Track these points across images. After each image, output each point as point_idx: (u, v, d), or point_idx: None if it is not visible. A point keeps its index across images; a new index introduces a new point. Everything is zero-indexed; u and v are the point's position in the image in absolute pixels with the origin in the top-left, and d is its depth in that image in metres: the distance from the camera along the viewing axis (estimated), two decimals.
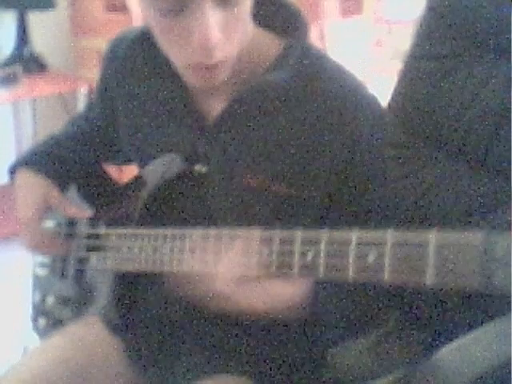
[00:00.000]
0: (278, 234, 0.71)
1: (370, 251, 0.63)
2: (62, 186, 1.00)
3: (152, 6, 0.72)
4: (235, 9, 0.72)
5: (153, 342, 0.98)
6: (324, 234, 0.67)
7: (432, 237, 0.59)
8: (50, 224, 1.05)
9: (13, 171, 1.00)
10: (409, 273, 0.60)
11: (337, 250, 0.66)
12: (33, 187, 0.96)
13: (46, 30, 2.56)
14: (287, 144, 0.81)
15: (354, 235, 0.64)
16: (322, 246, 0.67)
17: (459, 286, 0.57)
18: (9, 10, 2.41)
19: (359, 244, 0.64)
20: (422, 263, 0.59)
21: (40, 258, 1.11)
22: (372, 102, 0.83)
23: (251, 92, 0.81)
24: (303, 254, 0.68)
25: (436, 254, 0.58)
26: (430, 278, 0.59)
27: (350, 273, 0.64)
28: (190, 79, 0.79)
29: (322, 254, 0.67)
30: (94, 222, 0.99)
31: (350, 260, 0.64)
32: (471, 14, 0.97)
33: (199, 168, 0.86)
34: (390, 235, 0.62)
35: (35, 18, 2.44)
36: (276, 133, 0.82)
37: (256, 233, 0.72)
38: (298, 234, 0.69)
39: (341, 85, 0.81)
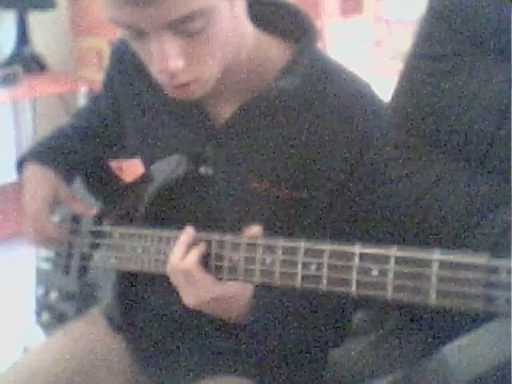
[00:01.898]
0: (281, 242, 0.70)
1: (373, 267, 0.62)
2: (69, 181, 1.00)
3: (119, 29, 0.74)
4: (199, 36, 0.71)
5: (154, 341, 0.98)
6: (327, 247, 0.66)
7: (436, 255, 0.59)
8: (56, 218, 1.05)
9: (20, 165, 1.00)
10: (412, 291, 0.60)
11: (340, 264, 0.65)
12: (41, 181, 0.97)
13: (46, 30, 2.56)
14: (295, 150, 0.82)
15: (357, 249, 0.64)
16: (325, 259, 0.66)
17: (461, 306, 0.57)
18: (9, 10, 2.41)
19: (362, 259, 0.63)
20: (425, 282, 0.59)
21: (44, 252, 1.11)
22: (381, 107, 0.83)
23: (261, 98, 0.81)
24: (306, 265, 0.68)
25: (439, 273, 0.58)
26: (432, 298, 0.59)
27: (353, 288, 0.64)
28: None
29: (324, 267, 0.66)
30: (98, 219, 0.99)
31: (353, 275, 0.64)
32: (472, 14, 0.97)
33: (205, 170, 0.86)
34: (393, 251, 0.61)
35: (35, 18, 2.44)
36: (284, 139, 0.82)
37: (259, 241, 0.72)
38: (301, 245, 0.68)
39: (350, 92, 0.81)
